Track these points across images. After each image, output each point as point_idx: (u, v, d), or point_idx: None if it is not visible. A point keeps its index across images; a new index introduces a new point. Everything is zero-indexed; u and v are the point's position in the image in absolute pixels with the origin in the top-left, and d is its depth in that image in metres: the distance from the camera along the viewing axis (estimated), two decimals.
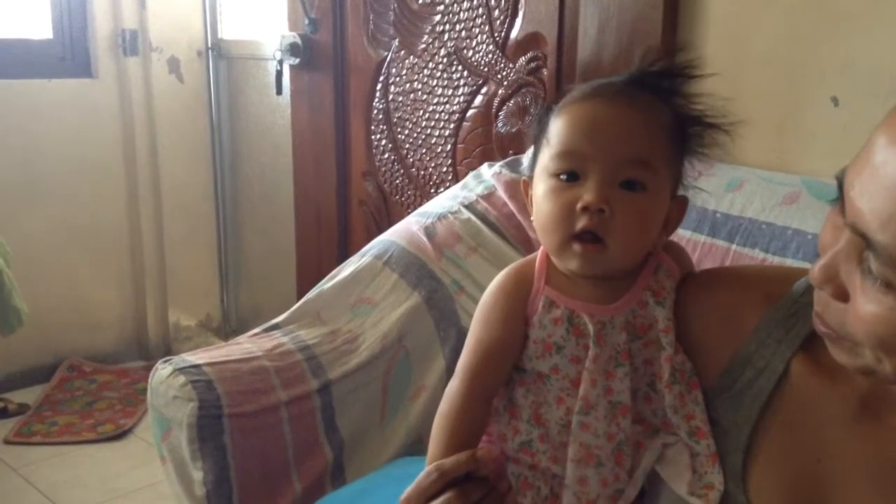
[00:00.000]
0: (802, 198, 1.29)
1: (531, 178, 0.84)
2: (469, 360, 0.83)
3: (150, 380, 1.28)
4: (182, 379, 1.23)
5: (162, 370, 1.27)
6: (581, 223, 0.76)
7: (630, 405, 0.79)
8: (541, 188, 0.80)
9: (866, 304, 0.60)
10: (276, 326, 1.43)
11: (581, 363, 0.79)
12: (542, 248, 0.84)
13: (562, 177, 0.78)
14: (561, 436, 0.79)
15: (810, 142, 1.42)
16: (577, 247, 0.77)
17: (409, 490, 0.78)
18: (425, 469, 0.79)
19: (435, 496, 0.77)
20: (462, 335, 1.41)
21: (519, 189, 1.50)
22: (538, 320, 0.80)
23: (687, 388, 0.79)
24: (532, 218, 0.83)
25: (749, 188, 1.35)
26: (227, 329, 3.03)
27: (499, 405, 0.84)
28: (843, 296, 0.62)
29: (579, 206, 0.75)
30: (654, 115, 0.79)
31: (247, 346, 1.34)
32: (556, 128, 0.80)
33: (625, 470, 0.78)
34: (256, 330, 1.42)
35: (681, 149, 0.81)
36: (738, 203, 1.34)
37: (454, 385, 0.83)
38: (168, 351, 2.97)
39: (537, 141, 0.84)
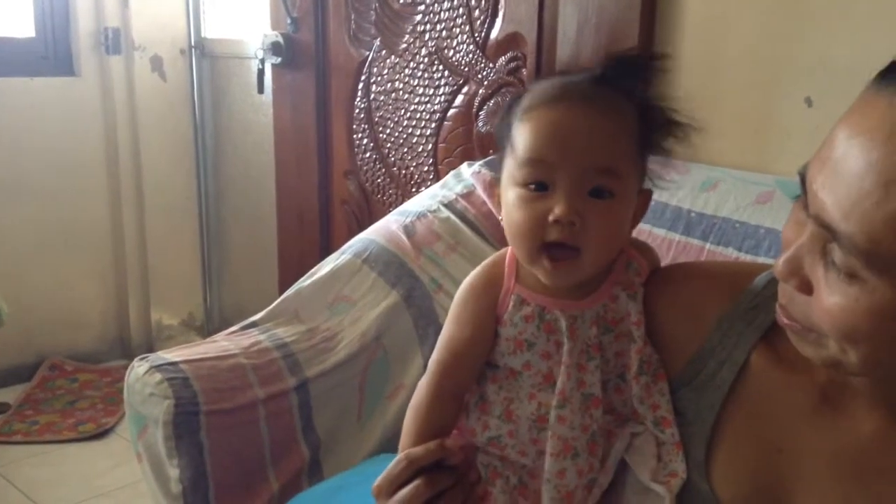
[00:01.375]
0: (776, 197, 1.30)
1: (498, 178, 0.85)
2: (440, 357, 0.84)
3: (126, 377, 1.28)
4: (158, 376, 1.23)
5: (138, 367, 1.27)
6: (552, 235, 0.76)
7: (601, 396, 0.80)
8: (510, 196, 0.80)
9: (831, 296, 0.61)
10: (253, 324, 1.43)
11: (552, 359, 0.80)
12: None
13: (530, 186, 0.78)
14: (531, 432, 0.81)
15: (784, 142, 1.43)
16: (546, 263, 0.77)
17: (379, 479, 0.80)
18: (395, 458, 0.80)
19: (404, 484, 0.78)
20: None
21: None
22: (509, 318, 0.81)
23: (653, 379, 0.81)
24: (501, 221, 0.84)
25: (723, 188, 1.37)
26: (210, 328, 3.03)
27: (470, 401, 0.85)
28: (807, 288, 0.63)
29: (551, 218, 0.76)
30: (620, 119, 0.79)
31: (224, 343, 1.34)
32: (522, 135, 0.79)
33: (598, 459, 0.80)
34: (234, 328, 1.43)
35: (646, 147, 0.82)
36: (713, 202, 1.35)
37: (425, 380, 0.85)
38: (150, 350, 2.96)
39: (502, 143, 0.84)
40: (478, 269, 0.86)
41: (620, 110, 0.79)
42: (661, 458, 0.79)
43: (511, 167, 0.80)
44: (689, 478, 0.77)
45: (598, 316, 0.81)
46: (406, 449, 0.81)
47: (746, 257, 1.27)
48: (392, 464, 0.80)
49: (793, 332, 0.67)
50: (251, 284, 2.86)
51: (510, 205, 0.80)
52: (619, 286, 0.82)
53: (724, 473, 0.76)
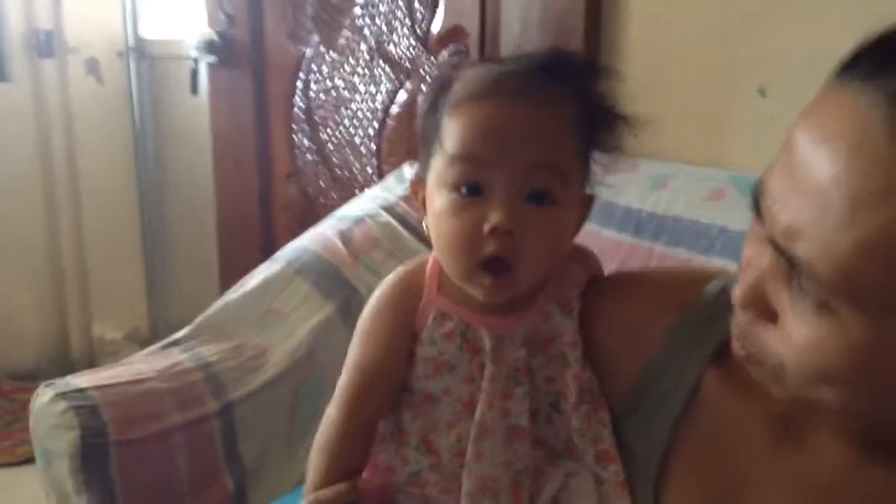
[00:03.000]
0: (728, 194, 1.24)
1: (423, 179, 0.74)
2: (349, 381, 0.74)
3: (31, 405, 1.18)
4: (63, 405, 1.12)
5: (42, 395, 1.16)
6: (489, 248, 0.66)
7: (529, 429, 0.70)
8: (439, 202, 0.69)
9: (800, 329, 0.51)
10: (175, 342, 1.33)
11: (474, 383, 0.70)
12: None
13: (462, 190, 0.68)
14: (453, 464, 0.71)
15: (738, 135, 1.37)
16: (486, 280, 0.67)
17: None
18: (302, 501, 0.71)
19: None
20: None
21: None
22: (428, 336, 0.71)
23: (593, 408, 0.71)
24: (426, 229, 0.74)
25: (675, 185, 1.29)
26: (156, 341, 2.90)
27: (385, 431, 0.75)
28: (770, 317, 0.54)
29: (486, 227, 0.66)
30: (560, 112, 0.69)
31: (139, 366, 1.24)
32: (452, 130, 0.69)
33: (523, 503, 0.70)
34: (154, 347, 1.32)
35: (589, 145, 0.72)
36: (664, 201, 1.28)
37: (332, 413, 0.75)
38: (93, 366, 2.81)
39: (427, 139, 0.73)
40: (392, 276, 0.75)
41: (562, 104, 0.69)
42: (601, 500, 0.69)
43: (439, 166, 0.70)
44: None
45: (527, 336, 0.71)
46: (314, 490, 0.72)
47: (699, 258, 1.19)
48: None
49: (749, 364, 0.58)
50: (198, 294, 2.75)
51: (439, 213, 0.69)
52: (553, 302, 0.73)
53: None
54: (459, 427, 0.71)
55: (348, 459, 0.73)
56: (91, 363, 2.84)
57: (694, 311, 0.70)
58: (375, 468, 0.75)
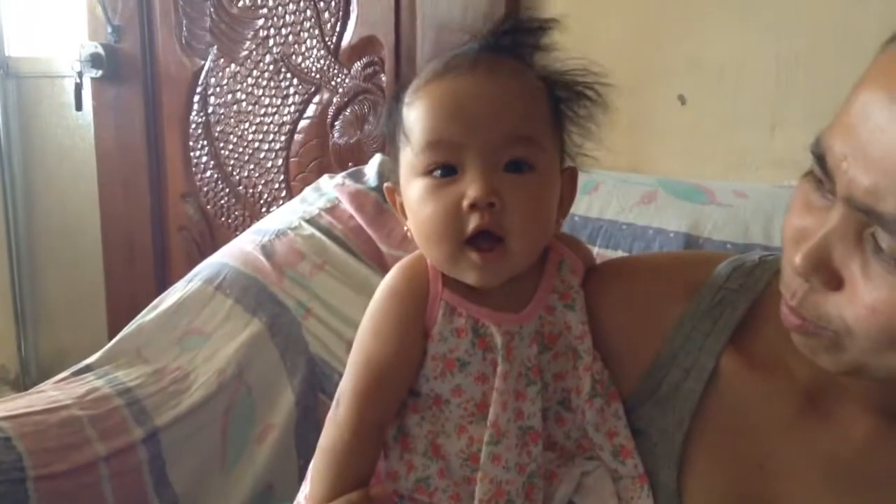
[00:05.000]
0: (659, 196, 1.26)
1: (396, 183, 0.71)
2: (357, 381, 0.69)
3: None
4: None
5: None
6: (473, 223, 0.63)
7: (541, 429, 0.67)
8: (414, 191, 0.66)
9: (873, 291, 0.50)
10: (88, 369, 1.21)
11: (487, 382, 0.67)
12: None
13: (436, 173, 0.65)
14: (463, 470, 0.67)
15: (660, 141, 1.40)
16: (474, 256, 0.64)
17: None
18: None
19: None
20: (313, 363, 1.26)
21: (366, 201, 1.38)
22: (439, 332, 0.67)
23: (606, 400, 0.69)
24: (407, 228, 0.70)
25: (605, 189, 1.30)
26: (27, 381, 2.67)
27: (388, 436, 0.70)
28: (836, 283, 0.53)
29: (465, 203, 0.63)
30: (523, 81, 0.67)
31: (52, 393, 1.11)
32: (415, 117, 0.66)
33: None
34: (64, 374, 1.20)
35: (559, 115, 0.70)
36: (596, 205, 1.28)
37: (340, 414, 0.69)
38: None
39: (393, 139, 0.70)
40: (395, 269, 0.71)
41: (521, 74, 0.67)
42: (621, 497, 0.67)
43: (409, 159, 0.67)
44: None
45: (536, 331, 0.68)
46: (321, 499, 0.67)
47: None
48: None
49: (804, 334, 0.57)
50: (75, 329, 2.56)
51: (415, 201, 0.66)
52: (554, 293, 0.70)
53: (701, 499, 0.65)
54: (470, 430, 0.67)
55: (358, 465, 0.68)
56: None
57: (704, 293, 0.69)
58: (377, 476, 0.70)
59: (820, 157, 0.53)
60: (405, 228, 0.71)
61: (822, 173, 0.54)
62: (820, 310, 0.54)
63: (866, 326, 0.51)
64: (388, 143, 0.72)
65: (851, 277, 0.52)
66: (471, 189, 0.63)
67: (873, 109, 0.49)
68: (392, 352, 0.67)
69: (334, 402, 0.70)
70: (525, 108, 0.66)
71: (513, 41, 0.68)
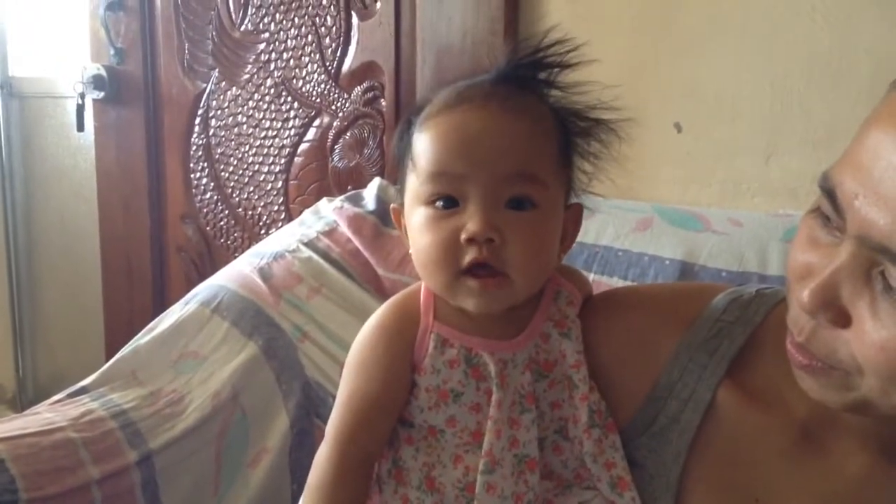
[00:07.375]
0: (655, 224, 1.26)
1: (402, 205, 0.72)
2: (343, 419, 0.69)
3: None
4: None
5: None
6: (469, 256, 0.63)
7: (538, 458, 0.67)
8: (416, 219, 0.67)
9: (881, 329, 0.50)
10: (83, 390, 1.21)
11: (481, 412, 0.67)
12: None
13: (438, 204, 0.65)
14: (459, 501, 0.67)
15: (656, 168, 1.41)
16: (472, 283, 0.64)
17: None
18: None
19: None
20: (308, 387, 1.26)
21: (364, 224, 1.38)
22: (430, 364, 0.67)
23: (604, 431, 0.69)
24: (410, 251, 0.71)
25: (601, 216, 1.30)
26: (24, 400, 2.67)
27: (382, 470, 0.70)
28: (844, 321, 0.52)
29: (463, 237, 0.63)
30: (533, 118, 0.67)
31: (47, 415, 1.11)
32: (422, 146, 0.67)
33: None
34: (59, 396, 1.19)
35: (568, 152, 0.70)
36: (592, 231, 1.29)
37: (325, 452, 0.69)
38: None
39: (401, 162, 0.71)
40: (385, 305, 0.71)
41: (533, 110, 0.68)
42: None
43: (414, 186, 0.67)
44: None
45: (530, 359, 0.68)
46: None
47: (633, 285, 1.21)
48: None
49: (812, 374, 0.56)
50: (72, 350, 2.56)
51: (416, 229, 0.67)
52: (550, 321, 0.70)
53: None
54: (466, 459, 0.67)
55: (345, 503, 0.68)
56: None
57: (701, 324, 0.69)
58: None
59: (830, 192, 0.53)
60: (409, 251, 0.72)
61: (831, 209, 0.53)
62: (829, 347, 0.54)
63: (875, 365, 0.51)
64: (398, 165, 0.73)
65: (860, 316, 0.52)
66: (470, 223, 0.63)
67: (885, 148, 0.50)
68: (376, 387, 0.68)
69: (324, 440, 0.70)
70: (532, 146, 0.66)
71: (530, 75, 0.68)
